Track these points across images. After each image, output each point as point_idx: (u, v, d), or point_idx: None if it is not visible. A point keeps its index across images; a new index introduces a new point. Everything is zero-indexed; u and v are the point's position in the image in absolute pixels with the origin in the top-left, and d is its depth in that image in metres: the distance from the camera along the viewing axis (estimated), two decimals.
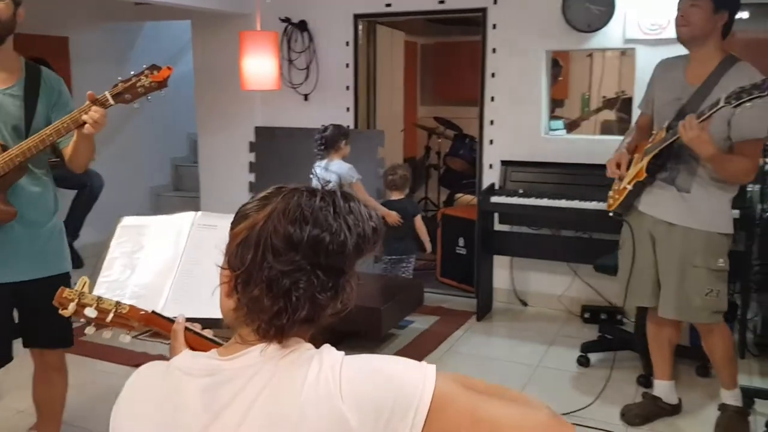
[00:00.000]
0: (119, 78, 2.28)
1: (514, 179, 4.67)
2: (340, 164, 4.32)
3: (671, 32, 4.02)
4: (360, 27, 5.28)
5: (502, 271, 4.91)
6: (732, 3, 2.84)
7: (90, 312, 1.37)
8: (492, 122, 4.84)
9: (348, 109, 5.35)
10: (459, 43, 7.51)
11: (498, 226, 4.78)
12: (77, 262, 3.57)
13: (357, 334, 3.92)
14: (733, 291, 3.62)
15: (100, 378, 3.68)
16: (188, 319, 1.31)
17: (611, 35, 4.42)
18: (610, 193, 3.21)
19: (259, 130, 5.69)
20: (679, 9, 2.87)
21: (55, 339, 2.61)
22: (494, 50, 4.77)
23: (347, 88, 5.34)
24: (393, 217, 4.41)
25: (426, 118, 7.96)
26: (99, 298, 1.39)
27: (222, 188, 5.86)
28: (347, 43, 5.28)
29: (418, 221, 4.64)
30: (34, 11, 2.43)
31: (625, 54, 5.58)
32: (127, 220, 2.04)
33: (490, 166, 4.87)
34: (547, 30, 4.58)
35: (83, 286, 1.42)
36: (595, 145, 4.61)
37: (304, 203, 1.04)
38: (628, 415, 3.21)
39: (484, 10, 4.76)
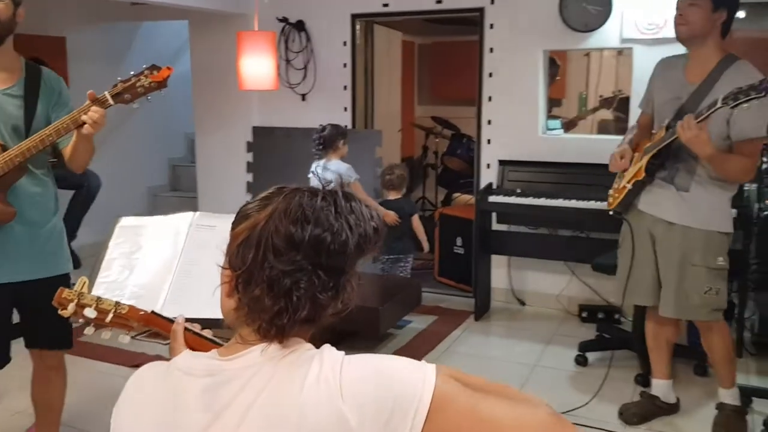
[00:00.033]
0: (119, 78, 2.28)
1: (511, 179, 4.68)
2: (339, 164, 4.32)
3: (668, 32, 4.04)
4: (357, 27, 5.28)
5: (500, 270, 4.92)
6: (731, 1, 2.84)
7: (89, 312, 1.37)
8: (489, 122, 4.85)
9: (345, 109, 5.35)
10: (456, 42, 7.51)
11: (496, 226, 4.78)
12: (75, 262, 3.56)
13: (355, 334, 3.92)
14: (731, 290, 3.63)
15: (99, 378, 3.68)
16: (187, 320, 1.31)
17: (608, 35, 4.43)
18: (610, 191, 3.21)
19: (257, 130, 5.69)
20: (677, 8, 2.87)
21: (55, 340, 2.61)
22: (491, 50, 4.77)
23: (345, 88, 5.34)
24: (391, 216, 4.41)
25: (423, 118, 7.96)
26: (98, 299, 1.39)
27: (219, 188, 5.86)
28: (345, 43, 5.28)
29: (416, 221, 4.64)
30: (31, 11, 2.42)
31: (622, 53, 5.59)
32: (126, 221, 2.04)
33: (488, 165, 4.88)
34: (544, 30, 4.58)
35: (82, 287, 1.42)
36: (592, 145, 4.62)
37: (306, 203, 1.04)
38: (626, 414, 3.22)
39: (481, 10, 4.76)
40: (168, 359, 1.15)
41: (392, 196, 4.67)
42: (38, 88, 2.43)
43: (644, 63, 4.18)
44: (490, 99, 4.83)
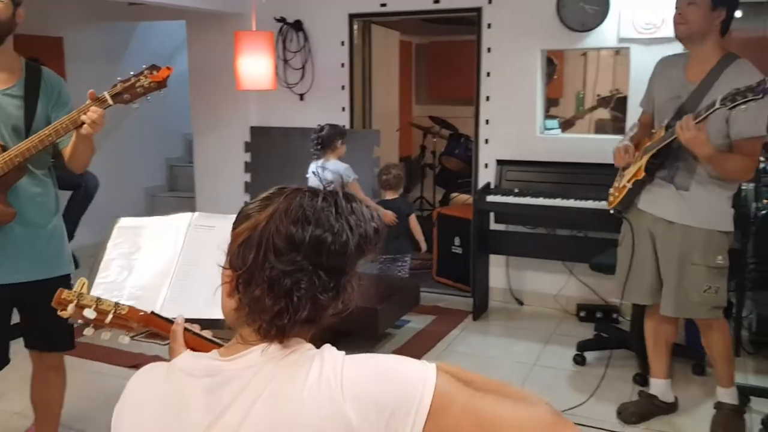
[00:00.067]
0: (118, 78, 2.28)
1: (509, 178, 4.68)
2: (337, 164, 4.32)
3: (665, 31, 4.05)
4: (355, 27, 5.28)
5: (498, 270, 4.92)
6: (730, 0, 2.84)
7: (89, 313, 1.37)
8: (487, 121, 4.85)
9: (343, 109, 5.35)
10: (454, 42, 7.51)
11: (494, 226, 4.78)
12: (73, 263, 3.55)
13: (353, 334, 3.91)
14: (729, 289, 3.63)
15: (97, 379, 3.67)
16: (187, 320, 1.31)
17: (606, 34, 4.43)
18: (611, 190, 3.22)
19: (255, 130, 5.68)
20: (677, 7, 2.87)
21: (55, 341, 2.60)
22: (489, 50, 4.77)
23: (342, 87, 5.34)
24: (389, 216, 4.41)
25: (421, 118, 7.96)
26: (98, 299, 1.38)
27: (217, 188, 5.85)
28: (342, 43, 5.28)
29: (413, 220, 4.64)
30: (28, 11, 2.42)
31: (620, 53, 5.60)
32: (124, 221, 2.03)
33: (486, 165, 4.88)
34: (541, 29, 4.58)
35: (82, 287, 1.42)
36: (590, 144, 4.63)
37: (306, 204, 1.04)
38: (625, 414, 3.22)
39: (478, 10, 4.76)
40: (167, 360, 1.15)
41: (389, 195, 4.68)
42: (38, 88, 2.42)
43: (641, 62, 4.19)
44: (487, 99, 4.83)
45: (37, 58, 3.28)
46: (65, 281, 2.51)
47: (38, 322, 2.52)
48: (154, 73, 2.25)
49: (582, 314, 4.60)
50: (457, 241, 5.21)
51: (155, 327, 1.37)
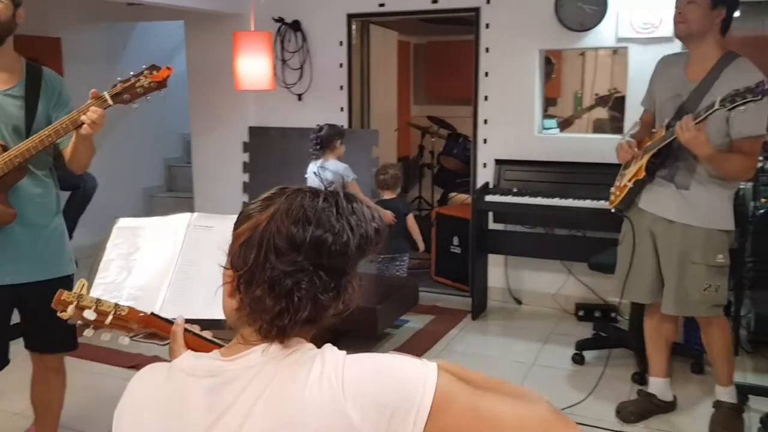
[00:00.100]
0: (118, 78, 2.27)
1: (508, 178, 4.69)
2: (336, 164, 4.33)
3: (664, 31, 4.06)
4: (353, 27, 5.28)
5: (497, 269, 4.92)
6: None
7: (89, 314, 1.36)
8: (486, 121, 4.86)
9: (342, 109, 5.35)
10: (452, 42, 7.52)
11: (492, 225, 4.79)
12: None
13: (352, 334, 3.91)
14: (728, 288, 3.64)
15: (97, 380, 3.67)
16: (187, 321, 1.31)
17: (604, 34, 4.44)
18: (612, 189, 3.23)
19: (253, 130, 5.68)
20: (676, 6, 2.87)
21: (56, 343, 2.60)
22: (487, 50, 4.78)
23: (341, 87, 5.34)
24: (388, 216, 4.41)
25: (419, 118, 7.96)
26: (98, 300, 1.38)
27: (216, 189, 5.85)
28: (341, 43, 5.28)
29: (411, 220, 4.65)
30: (26, 12, 2.41)
31: (618, 53, 5.61)
32: (123, 222, 2.03)
33: (484, 165, 4.89)
34: (539, 29, 4.59)
35: (81, 288, 1.42)
36: (588, 144, 4.64)
37: (307, 204, 1.04)
38: (623, 413, 3.23)
39: (477, 10, 4.77)
40: (166, 360, 1.16)
41: (387, 195, 4.68)
42: (39, 89, 2.42)
43: (639, 62, 4.20)
44: (486, 98, 4.83)
45: (37, 58, 3.28)
46: (66, 282, 2.49)
47: (38, 323, 2.52)
48: (154, 73, 2.25)
49: (581, 313, 4.61)
50: (455, 240, 5.21)
51: (155, 328, 1.37)
